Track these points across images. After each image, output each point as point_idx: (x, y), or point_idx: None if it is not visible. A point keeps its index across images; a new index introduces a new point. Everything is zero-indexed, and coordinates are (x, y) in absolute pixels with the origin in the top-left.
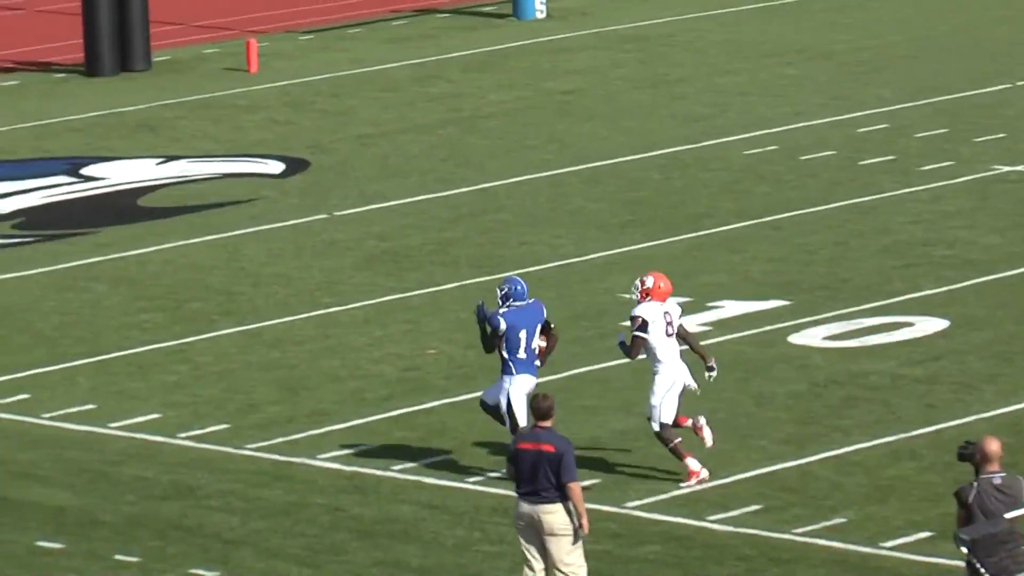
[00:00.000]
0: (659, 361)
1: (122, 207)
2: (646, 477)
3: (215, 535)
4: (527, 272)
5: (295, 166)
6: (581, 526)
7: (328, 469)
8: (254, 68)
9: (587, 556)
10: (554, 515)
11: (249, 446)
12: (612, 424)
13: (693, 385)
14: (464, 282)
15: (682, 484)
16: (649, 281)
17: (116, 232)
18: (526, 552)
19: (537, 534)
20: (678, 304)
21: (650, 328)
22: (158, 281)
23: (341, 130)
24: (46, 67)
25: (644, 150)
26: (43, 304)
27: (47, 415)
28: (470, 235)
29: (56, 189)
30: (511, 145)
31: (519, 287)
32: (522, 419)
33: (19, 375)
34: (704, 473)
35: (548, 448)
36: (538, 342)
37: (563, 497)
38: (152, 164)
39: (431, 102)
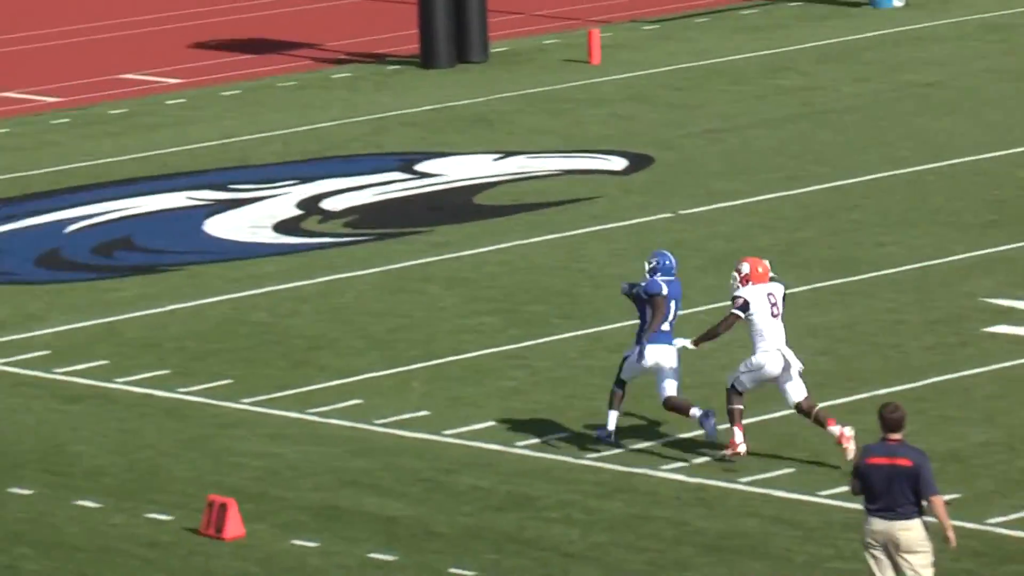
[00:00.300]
0: (763, 339)
1: (458, 204)
2: (1009, 492)
3: (554, 548)
4: (883, 275)
5: (638, 162)
6: (947, 539)
7: (671, 480)
8: (596, 59)
9: (946, 575)
10: (911, 532)
11: (589, 456)
12: (973, 436)
13: (800, 366)
14: (816, 285)
15: (722, 453)
16: (745, 267)
17: (451, 231)
18: (875, 570)
19: (890, 551)
20: (781, 284)
21: (753, 308)
22: (495, 282)
23: (686, 124)
24: (380, 59)
25: (1008, 146)
26: (376, 306)
27: (380, 421)
28: (822, 236)
29: (389, 186)
30: (866, 141)
31: (668, 261)
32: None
33: (352, 379)
34: (743, 448)
35: (904, 463)
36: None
37: (920, 513)
38: (489, 160)
39: (782, 95)
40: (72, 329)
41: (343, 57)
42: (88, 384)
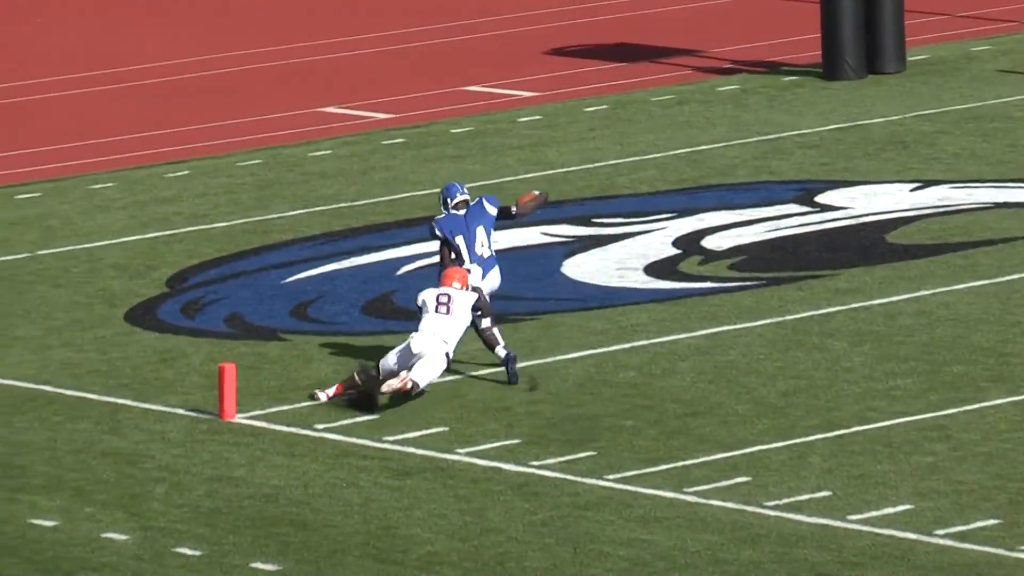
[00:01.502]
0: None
1: (867, 243)
2: None
3: None
4: None
5: None
6: None
7: None
8: None
9: None
10: None
11: (1021, 548)
12: None
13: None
14: None
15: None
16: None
17: (859, 275)
18: None
19: None
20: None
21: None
22: (911, 338)
23: None
24: (774, 68)
25: None
26: (767, 364)
27: (771, 503)
28: None
29: (785, 221)
30: None
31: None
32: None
33: (738, 452)
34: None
35: None
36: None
37: None
38: (904, 190)
39: None
40: None
41: (729, 65)
42: (423, 455)
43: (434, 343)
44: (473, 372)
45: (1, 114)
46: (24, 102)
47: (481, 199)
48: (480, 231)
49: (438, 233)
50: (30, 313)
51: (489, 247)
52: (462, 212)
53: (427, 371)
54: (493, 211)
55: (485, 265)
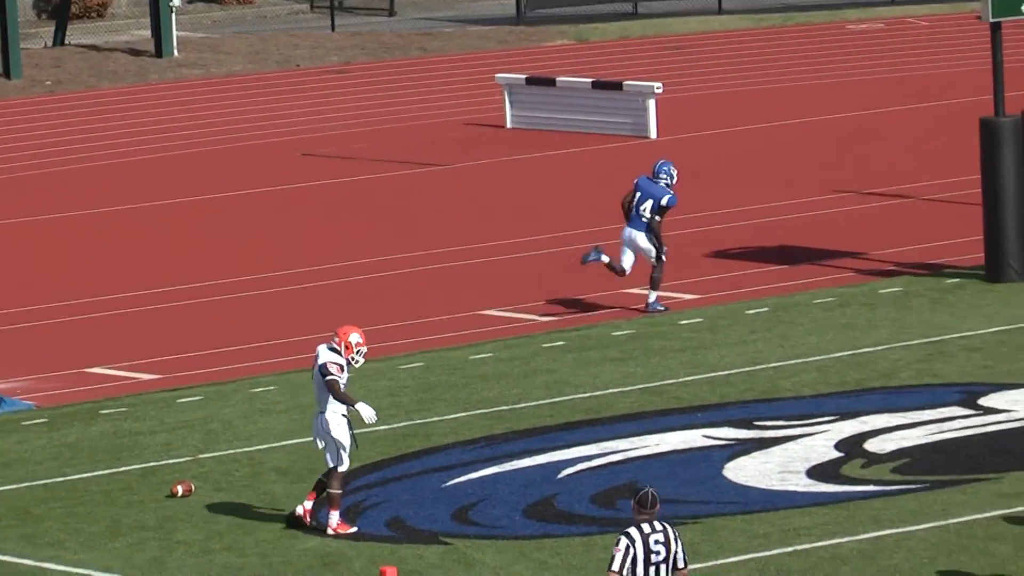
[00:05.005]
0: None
1: None
2: None
3: None
4: None
5: None
6: None
7: None
8: None
9: None
10: None
11: None
12: None
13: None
14: None
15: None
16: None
17: (1023, 479)
18: None
19: None
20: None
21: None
22: None
23: None
24: (937, 270)
25: None
26: (931, 569)
27: None
28: None
29: (948, 423)
30: None
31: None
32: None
33: None
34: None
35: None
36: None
37: None
38: None
39: None
40: None
41: (892, 267)
42: None
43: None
44: None
45: (161, 318)
46: (179, 307)
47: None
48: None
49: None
50: (192, 517)
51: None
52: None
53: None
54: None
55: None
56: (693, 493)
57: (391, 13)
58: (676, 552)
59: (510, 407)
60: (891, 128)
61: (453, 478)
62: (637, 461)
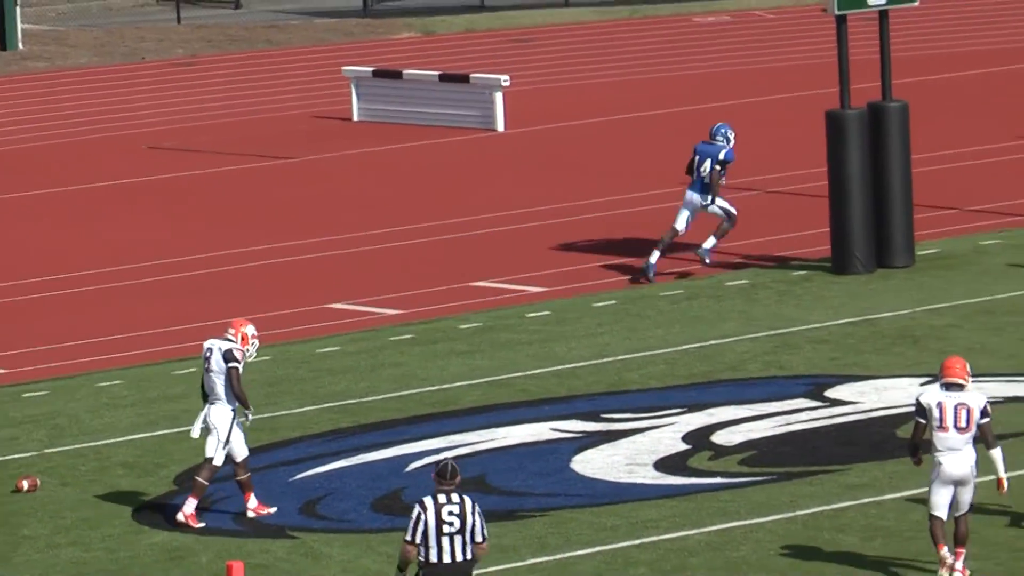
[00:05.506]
0: None
1: (878, 438)
2: None
3: None
4: None
5: None
6: None
7: None
8: None
9: None
10: None
11: None
12: None
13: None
14: None
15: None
16: None
17: (870, 470)
18: None
19: None
20: None
21: None
22: (923, 533)
23: None
24: (783, 263)
25: None
26: (778, 561)
27: None
28: None
29: (795, 415)
30: None
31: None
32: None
33: None
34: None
35: None
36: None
37: None
38: (915, 385)
39: None
40: None
41: (739, 260)
42: None
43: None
44: None
45: (5, 312)
46: (24, 301)
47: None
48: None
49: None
50: (38, 512)
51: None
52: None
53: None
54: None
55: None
56: (541, 486)
57: (237, 6)
58: (474, 524)
59: (358, 401)
60: (737, 121)
61: (300, 472)
62: (485, 454)
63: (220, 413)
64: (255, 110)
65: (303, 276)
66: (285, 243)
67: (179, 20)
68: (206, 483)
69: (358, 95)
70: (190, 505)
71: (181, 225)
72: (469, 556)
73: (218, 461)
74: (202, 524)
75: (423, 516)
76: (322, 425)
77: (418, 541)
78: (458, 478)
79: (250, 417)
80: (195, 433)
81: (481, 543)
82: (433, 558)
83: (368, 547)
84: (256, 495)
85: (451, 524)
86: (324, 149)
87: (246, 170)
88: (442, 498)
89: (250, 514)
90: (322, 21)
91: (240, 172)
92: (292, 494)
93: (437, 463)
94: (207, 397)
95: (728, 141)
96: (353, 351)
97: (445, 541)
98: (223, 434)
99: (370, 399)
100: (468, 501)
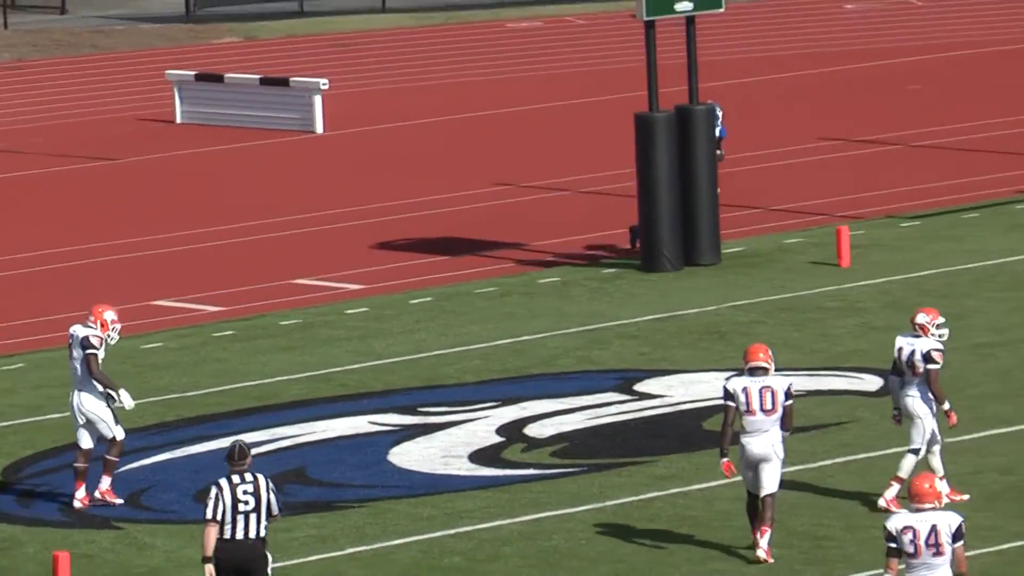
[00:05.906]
0: None
1: (685, 431)
2: None
3: None
4: None
5: None
6: None
7: None
8: (846, 261)
9: None
10: None
11: None
12: None
13: None
14: None
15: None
16: None
17: (677, 461)
18: None
19: None
20: None
21: None
22: (729, 522)
23: (954, 338)
24: (594, 261)
25: None
26: (589, 549)
27: None
28: None
29: (605, 409)
30: None
31: None
32: None
33: None
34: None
35: None
36: None
37: None
38: (721, 378)
39: None
40: None
41: (551, 259)
42: None
43: None
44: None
45: None
46: None
47: None
48: None
49: None
50: None
51: None
52: None
53: None
54: None
55: None
56: (359, 477)
57: (63, 11)
58: (269, 500)
59: (181, 395)
60: (549, 123)
61: (125, 464)
62: (305, 447)
63: (92, 401)
64: (80, 113)
65: (127, 274)
66: (110, 242)
67: (6, 25)
68: (116, 459)
69: (181, 98)
70: (104, 482)
71: (6, 225)
72: (263, 533)
73: (119, 436)
74: (120, 501)
75: (220, 495)
76: (146, 419)
77: (219, 518)
78: (248, 458)
79: (124, 400)
80: (79, 421)
81: (276, 515)
82: (227, 534)
83: (191, 537)
84: (87, 487)
85: (246, 503)
86: (148, 151)
87: (71, 171)
88: (236, 478)
89: (77, 504)
90: (147, 26)
91: (66, 173)
92: (117, 486)
93: (230, 447)
94: (74, 383)
95: (717, 118)
96: (176, 347)
97: (240, 519)
98: (106, 414)
99: (192, 393)
100: (261, 479)
